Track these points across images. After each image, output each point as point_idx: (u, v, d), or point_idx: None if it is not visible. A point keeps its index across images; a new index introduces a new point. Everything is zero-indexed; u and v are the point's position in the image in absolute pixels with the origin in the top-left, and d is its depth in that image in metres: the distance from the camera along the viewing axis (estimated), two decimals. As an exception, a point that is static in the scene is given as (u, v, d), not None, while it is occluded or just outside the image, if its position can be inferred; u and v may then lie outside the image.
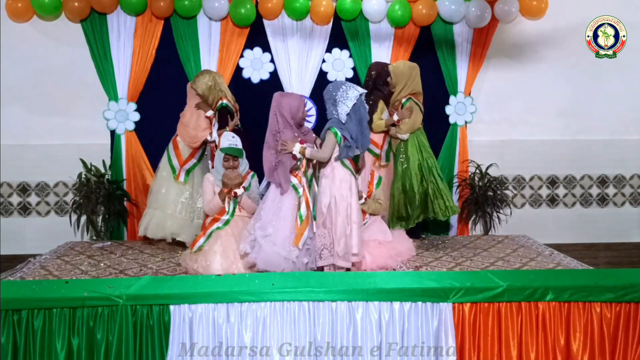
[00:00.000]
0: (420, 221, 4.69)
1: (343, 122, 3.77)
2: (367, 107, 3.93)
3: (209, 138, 4.59)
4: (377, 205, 4.28)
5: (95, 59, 5.18)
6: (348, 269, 3.78)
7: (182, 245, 4.55)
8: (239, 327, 2.91)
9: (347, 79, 5.34)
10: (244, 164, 4.06)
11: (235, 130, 4.51)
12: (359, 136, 3.81)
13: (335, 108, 3.78)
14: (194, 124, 4.60)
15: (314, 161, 3.89)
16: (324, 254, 3.72)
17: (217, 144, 4.55)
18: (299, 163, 3.79)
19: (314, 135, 4.03)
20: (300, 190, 3.77)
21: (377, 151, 4.69)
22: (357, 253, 3.73)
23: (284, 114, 3.77)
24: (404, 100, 4.69)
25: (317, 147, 3.88)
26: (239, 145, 4.01)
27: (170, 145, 4.68)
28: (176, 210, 4.57)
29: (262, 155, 3.87)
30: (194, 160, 4.66)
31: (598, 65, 5.27)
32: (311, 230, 3.73)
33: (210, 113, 4.58)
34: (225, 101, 4.62)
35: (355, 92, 3.77)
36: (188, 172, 4.62)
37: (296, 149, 3.74)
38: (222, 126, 4.61)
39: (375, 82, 4.66)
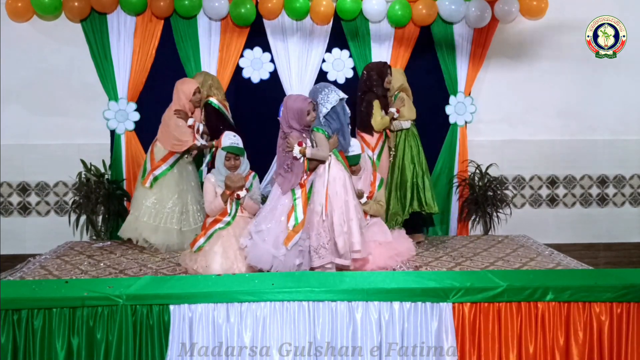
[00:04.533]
0: (416, 210, 4.70)
1: (322, 123, 3.79)
2: (349, 112, 3.95)
3: (197, 143, 4.56)
4: (378, 207, 4.28)
5: (95, 59, 5.19)
6: (347, 268, 3.77)
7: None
8: (238, 327, 2.91)
9: (347, 79, 5.36)
10: (245, 164, 4.06)
11: (225, 126, 4.57)
12: (340, 139, 3.86)
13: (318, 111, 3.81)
14: (173, 125, 4.54)
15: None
16: (322, 252, 3.68)
17: (205, 145, 4.65)
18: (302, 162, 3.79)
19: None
20: (298, 192, 3.76)
21: (370, 153, 4.72)
22: (359, 250, 3.71)
23: (293, 117, 3.80)
24: (395, 94, 4.82)
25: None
26: (240, 144, 4.03)
27: (149, 150, 4.70)
28: (140, 214, 4.55)
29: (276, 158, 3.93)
30: (164, 166, 4.56)
31: (598, 65, 5.27)
32: (304, 232, 3.72)
33: (191, 122, 4.57)
34: (212, 99, 4.68)
35: (336, 96, 3.79)
36: (156, 178, 4.55)
37: (295, 151, 3.76)
38: (208, 124, 4.67)
39: (369, 83, 4.72)
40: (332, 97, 3.78)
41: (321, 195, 3.71)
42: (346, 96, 3.86)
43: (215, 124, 4.68)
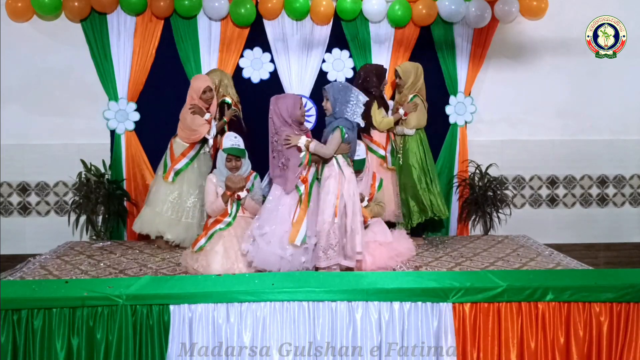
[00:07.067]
0: (421, 221, 4.70)
1: (362, 125, 3.83)
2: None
3: (207, 136, 4.57)
4: (378, 208, 4.28)
5: (95, 59, 5.18)
6: (351, 269, 3.77)
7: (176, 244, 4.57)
8: (238, 327, 2.91)
9: (346, 79, 5.34)
10: (246, 165, 4.06)
11: (235, 126, 4.53)
12: (354, 143, 3.87)
13: (348, 109, 3.77)
14: (190, 121, 4.56)
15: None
16: (330, 253, 3.68)
17: (213, 143, 4.63)
18: (302, 157, 3.77)
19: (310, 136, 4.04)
20: (302, 188, 3.77)
21: (382, 152, 4.70)
22: (361, 251, 3.72)
23: (282, 115, 3.79)
24: (410, 96, 4.73)
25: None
26: (241, 145, 4.02)
27: (168, 146, 4.68)
28: (163, 209, 4.54)
29: (269, 160, 3.89)
30: (185, 160, 4.59)
31: (598, 65, 5.27)
32: (309, 229, 3.72)
33: (208, 116, 4.57)
34: (227, 98, 4.67)
35: (364, 99, 3.81)
36: (177, 172, 4.56)
37: (302, 141, 3.75)
38: (221, 119, 4.67)
39: (364, 84, 4.64)
40: (362, 99, 3.80)
41: (334, 196, 3.71)
42: (367, 99, 3.87)
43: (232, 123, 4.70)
